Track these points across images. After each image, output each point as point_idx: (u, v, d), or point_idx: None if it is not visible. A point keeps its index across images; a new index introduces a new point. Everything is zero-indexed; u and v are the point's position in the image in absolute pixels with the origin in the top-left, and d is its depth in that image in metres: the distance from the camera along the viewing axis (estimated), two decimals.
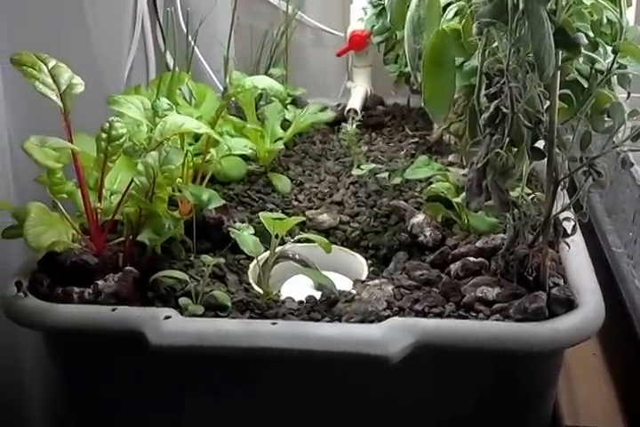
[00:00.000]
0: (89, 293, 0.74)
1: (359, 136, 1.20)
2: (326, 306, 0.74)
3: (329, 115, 1.14)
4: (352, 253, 0.90)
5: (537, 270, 0.72)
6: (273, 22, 1.38)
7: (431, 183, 0.96)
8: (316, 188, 1.02)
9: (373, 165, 1.02)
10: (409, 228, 0.88)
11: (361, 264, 0.88)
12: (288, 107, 1.17)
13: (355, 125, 1.19)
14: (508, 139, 0.67)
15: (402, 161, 1.08)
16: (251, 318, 0.73)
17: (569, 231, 0.71)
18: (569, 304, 0.69)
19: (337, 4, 1.40)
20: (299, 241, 0.84)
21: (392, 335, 0.66)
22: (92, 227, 0.80)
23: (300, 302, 0.76)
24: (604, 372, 0.82)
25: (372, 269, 0.86)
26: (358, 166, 1.03)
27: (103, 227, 0.81)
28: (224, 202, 0.85)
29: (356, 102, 1.26)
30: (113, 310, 0.72)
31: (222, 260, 0.78)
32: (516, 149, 0.68)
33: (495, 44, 0.68)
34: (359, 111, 1.24)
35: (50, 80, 0.75)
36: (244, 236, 0.77)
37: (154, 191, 0.77)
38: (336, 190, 1.01)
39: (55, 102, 0.77)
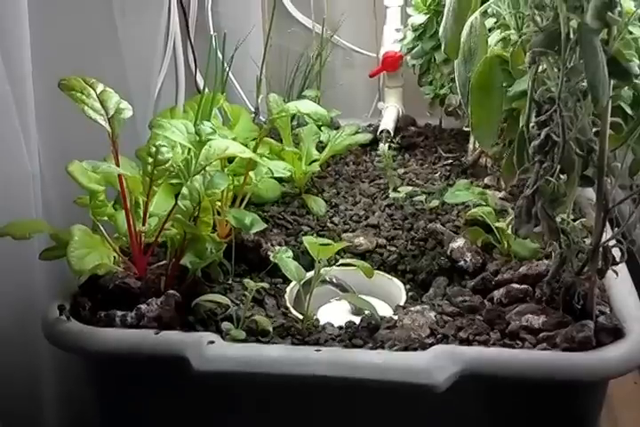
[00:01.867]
0: (131, 317, 0.75)
1: (392, 158, 1.20)
2: (368, 332, 0.74)
3: (366, 136, 1.14)
4: (390, 277, 0.89)
5: (584, 299, 0.71)
6: (307, 44, 1.39)
7: (468, 206, 0.96)
8: (351, 210, 1.02)
9: (410, 188, 1.02)
10: (449, 252, 0.87)
11: (399, 289, 0.87)
12: (322, 128, 1.17)
13: (386, 147, 1.19)
14: (558, 166, 0.66)
15: (437, 183, 1.08)
16: (292, 343, 0.73)
17: (617, 259, 0.70)
18: (616, 333, 0.69)
19: (370, 25, 1.41)
20: (343, 265, 0.84)
21: (438, 364, 0.66)
22: (135, 250, 0.80)
23: (341, 328, 0.76)
24: None
25: (410, 294, 0.86)
26: (394, 189, 1.03)
27: (146, 250, 0.81)
28: (265, 226, 0.85)
29: (388, 123, 1.26)
30: (156, 333, 0.72)
31: (266, 284, 0.78)
32: (564, 177, 0.68)
33: (544, 70, 0.68)
34: (392, 132, 1.24)
35: (98, 105, 0.76)
36: (286, 260, 0.77)
37: (198, 215, 0.77)
38: (372, 213, 1.01)
39: (94, 125, 0.78)
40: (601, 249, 0.69)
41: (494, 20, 0.78)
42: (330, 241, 0.79)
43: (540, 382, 0.66)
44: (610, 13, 0.61)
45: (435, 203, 0.98)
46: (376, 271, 0.90)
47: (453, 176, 1.11)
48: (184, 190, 0.77)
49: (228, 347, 0.70)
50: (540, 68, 0.68)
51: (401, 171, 1.13)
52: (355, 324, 0.76)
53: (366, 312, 0.77)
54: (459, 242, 0.87)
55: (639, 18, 0.78)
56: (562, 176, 0.69)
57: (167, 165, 0.79)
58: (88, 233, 0.80)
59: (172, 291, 0.77)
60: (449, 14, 0.69)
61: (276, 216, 1.00)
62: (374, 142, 1.23)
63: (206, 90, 1.24)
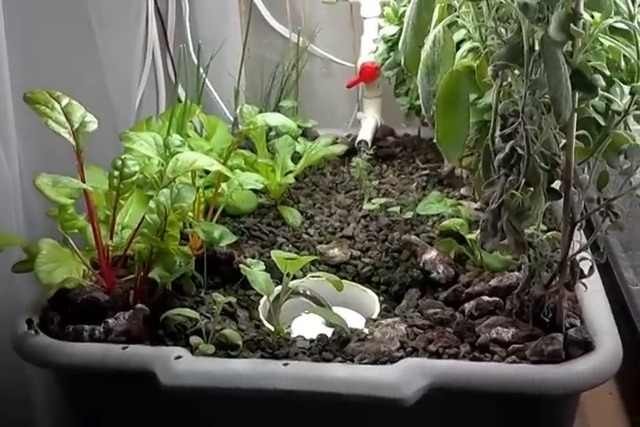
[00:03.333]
0: (99, 331, 0.74)
1: (369, 168, 1.20)
2: (338, 345, 0.73)
3: (341, 148, 1.14)
4: (364, 288, 0.89)
5: (553, 311, 0.71)
6: (284, 54, 1.39)
7: (443, 217, 0.96)
8: (327, 221, 1.02)
9: (385, 200, 1.01)
10: (421, 264, 0.87)
11: (373, 300, 0.87)
12: (299, 139, 1.17)
13: (367, 157, 1.19)
14: (523, 180, 0.66)
15: (413, 194, 1.08)
16: (262, 357, 0.72)
17: (586, 272, 0.70)
18: (586, 346, 0.68)
19: (347, 35, 1.41)
20: (312, 277, 0.84)
21: (406, 377, 0.66)
22: (103, 263, 0.79)
23: (312, 341, 0.75)
24: (621, 411, 0.81)
25: (383, 305, 0.85)
26: (369, 200, 1.02)
27: (114, 263, 0.81)
28: (236, 239, 0.85)
29: (366, 134, 1.26)
30: (123, 348, 0.71)
31: (233, 298, 0.77)
32: (531, 190, 0.68)
33: (510, 84, 0.68)
34: (370, 143, 1.24)
35: (63, 118, 0.76)
36: (256, 273, 0.77)
37: (165, 229, 0.76)
38: (347, 224, 1.01)
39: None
40: (569, 262, 0.68)
41: (465, 31, 0.79)
42: (295, 255, 0.78)
43: (509, 396, 0.66)
44: (573, 26, 0.62)
45: (409, 214, 0.98)
46: (350, 283, 0.90)
47: (430, 187, 1.11)
48: (151, 204, 0.77)
49: (196, 361, 0.70)
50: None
51: (378, 182, 1.13)
52: (326, 337, 0.75)
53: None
54: (431, 253, 0.87)
55: (608, 29, 0.79)
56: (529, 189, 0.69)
57: (134, 179, 0.79)
58: (57, 247, 0.79)
59: (140, 305, 0.76)
60: (408, 28, 0.69)
61: (252, 228, 1.00)
62: (352, 153, 1.22)
63: (188, 100, 1.25)
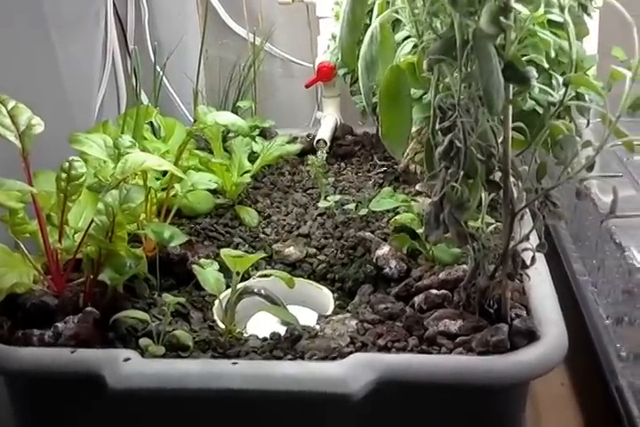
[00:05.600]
0: (49, 335, 0.74)
1: (328, 166, 1.20)
2: (290, 343, 0.74)
3: (296, 147, 1.14)
4: (319, 286, 0.89)
5: (498, 302, 0.72)
6: (242, 55, 1.40)
7: (398, 213, 0.97)
8: (284, 220, 1.02)
9: (339, 197, 1.02)
10: (374, 260, 0.87)
11: (327, 297, 0.88)
12: (256, 139, 1.17)
13: (323, 156, 1.20)
14: (462, 172, 0.67)
15: (369, 191, 1.08)
16: (213, 357, 0.72)
17: (528, 263, 0.71)
18: (530, 336, 0.69)
19: (305, 35, 1.42)
20: (264, 275, 0.84)
21: (353, 372, 0.66)
22: (53, 267, 0.79)
23: (264, 340, 0.75)
24: (573, 401, 0.82)
25: (338, 302, 0.86)
26: (325, 198, 1.03)
27: (65, 267, 0.80)
28: (187, 239, 0.85)
29: (325, 133, 1.26)
30: (72, 352, 0.71)
31: (183, 299, 0.77)
32: (471, 182, 0.69)
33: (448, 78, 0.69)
34: (328, 141, 1.24)
35: (8, 121, 0.75)
36: (206, 273, 0.77)
37: (114, 230, 0.76)
38: (303, 222, 1.01)
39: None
40: (510, 253, 0.69)
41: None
42: (244, 253, 0.78)
43: (456, 387, 0.67)
44: (503, 18, 0.62)
45: (364, 211, 0.99)
46: (306, 280, 0.91)
47: (387, 184, 1.12)
48: (99, 205, 0.77)
49: (144, 363, 0.69)
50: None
51: (335, 179, 1.14)
52: (278, 335, 0.76)
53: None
54: (384, 249, 0.88)
55: (547, 22, 0.80)
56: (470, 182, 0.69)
57: (81, 181, 0.78)
58: (7, 252, 0.79)
59: (89, 308, 0.76)
60: (343, 24, 0.70)
61: (208, 228, 1.00)
62: (312, 152, 1.23)
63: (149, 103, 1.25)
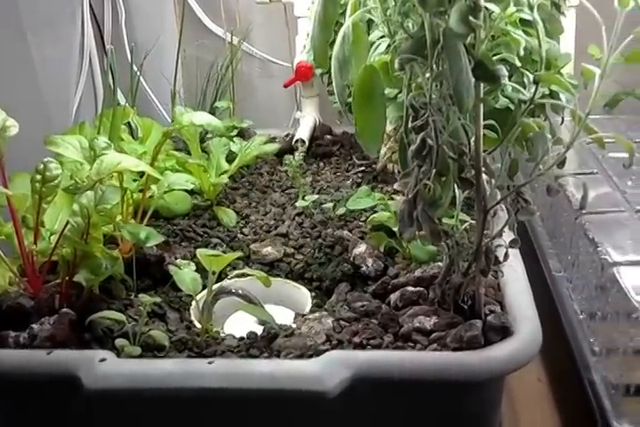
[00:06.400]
0: (24, 337, 0.73)
1: (306, 166, 1.21)
2: (266, 342, 0.74)
3: (274, 147, 1.14)
4: (297, 285, 0.90)
5: (472, 299, 0.72)
6: (220, 54, 1.40)
7: (376, 212, 0.97)
8: (262, 220, 1.02)
9: (317, 196, 1.02)
10: (351, 258, 0.88)
11: (305, 296, 0.88)
12: (234, 139, 1.17)
13: (301, 156, 1.20)
14: (434, 170, 0.68)
15: (347, 191, 1.09)
16: (189, 357, 0.72)
17: (501, 259, 0.71)
18: (504, 332, 0.70)
19: (283, 35, 1.42)
20: (241, 276, 0.84)
21: (328, 370, 0.66)
22: (28, 269, 0.79)
23: (241, 339, 0.76)
24: (549, 397, 0.83)
25: (315, 300, 0.86)
26: (303, 197, 1.03)
27: (41, 268, 0.80)
28: (163, 239, 0.85)
29: (303, 132, 1.27)
30: (48, 353, 0.71)
31: (159, 299, 0.77)
32: (444, 180, 0.69)
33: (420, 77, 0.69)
34: (307, 141, 1.25)
35: None
36: (182, 273, 0.77)
37: (89, 232, 0.76)
38: (281, 222, 1.01)
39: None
40: (483, 250, 0.70)
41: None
42: (220, 253, 0.78)
43: (430, 383, 0.67)
44: (472, 18, 0.63)
45: (342, 210, 0.99)
46: (284, 280, 0.91)
47: (365, 183, 1.12)
48: (74, 207, 0.76)
49: (120, 363, 0.69)
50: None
51: (314, 179, 1.14)
52: (255, 334, 0.76)
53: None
54: (361, 248, 0.88)
55: (519, 20, 0.81)
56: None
57: (56, 182, 0.78)
58: None
59: (65, 309, 0.75)
60: (315, 24, 0.70)
61: (186, 229, 1.00)
62: (290, 152, 1.23)
63: (122, 103, 1.24)
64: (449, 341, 0.69)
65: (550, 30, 0.97)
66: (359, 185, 1.11)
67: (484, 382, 0.69)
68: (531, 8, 0.67)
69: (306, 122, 1.31)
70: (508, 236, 0.84)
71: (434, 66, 0.66)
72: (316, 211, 1.02)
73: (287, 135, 1.30)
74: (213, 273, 0.76)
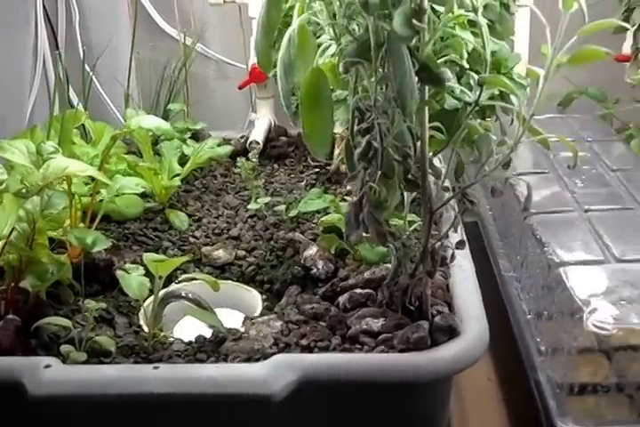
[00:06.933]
0: None
1: (261, 168, 1.21)
2: (214, 346, 0.73)
3: (227, 149, 1.14)
4: (248, 288, 0.89)
5: (420, 300, 0.73)
6: (175, 56, 1.39)
7: (328, 214, 0.97)
8: (214, 223, 1.02)
9: (269, 199, 1.02)
10: (302, 260, 0.88)
11: (256, 299, 0.88)
12: (188, 142, 1.16)
13: (256, 158, 1.20)
14: (380, 172, 0.68)
15: (301, 192, 1.08)
16: (135, 362, 0.71)
17: (448, 260, 0.72)
18: (451, 332, 0.70)
19: (238, 36, 1.41)
20: (191, 279, 0.84)
21: (274, 373, 0.66)
22: None
23: (189, 343, 0.75)
24: (498, 397, 0.84)
25: (265, 304, 0.86)
26: (255, 200, 1.03)
27: None
28: (111, 243, 0.84)
29: (258, 134, 1.26)
30: None
31: (104, 304, 0.76)
32: (390, 182, 0.69)
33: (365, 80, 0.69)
34: (261, 143, 1.25)
35: None
36: (129, 278, 0.76)
37: (34, 237, 0.75)
38: (234, 225, 1.01)
39: None
40: (430, 251, 0.70)
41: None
42: (166, 257, 0.78)
43: (377, 384, 0.67)
44: (415, 21, 0.63)
45: (295, 212, 0.99)
46: (235, 283, 0.91)
47: (319, 184, 1.12)
48: (20, 212, 0.75)
49: (65, 370, 0.68)
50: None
51: (267, 181, 1.14)
52: (203, 338, 0.75)
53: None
54: (312, 250, 0.88)
55: (469, 22, 0.82)
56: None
57: (2, 187, 0.77)
58: None
59: (11, 315, 0.74)
60: (259, 28, 0.70)
61: (137, 233, 0.99)
62: (245, 154, 1.23)
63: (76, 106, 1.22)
64: (396, 342, 0.70)
65: (501, 31, 0.98)
66: (313, 186, 1.12)
67: (431, 382, 0.69)
68: (474, 10, 0.67)
69: (261, 124, 1.31)
70: (459, 237, 0.85)
71: (379, 69, 0.67)
72: (268, 213, 1.02)
73: (242, 137, 1.30)
74: (160, 278, 0.75)
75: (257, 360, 0.70)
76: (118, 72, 1.38)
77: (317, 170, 1.17)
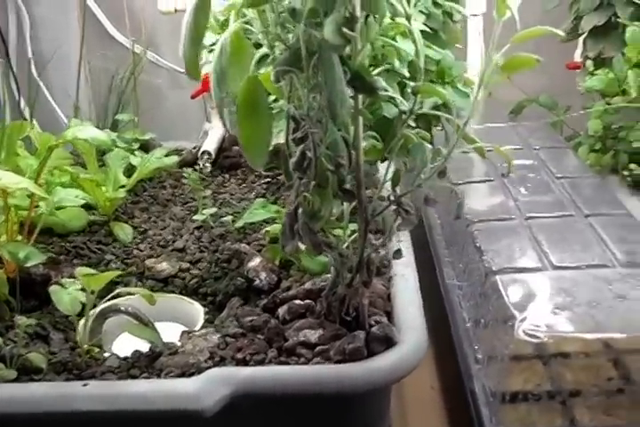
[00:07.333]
0: None
1: (212, 178, 1.19)
2: (149, 361, 0.72)
3: (174, 159, 1.13)
4: (190, 301, 0.88)
5: (357, 310, 0.72)
6: (126, 65, 1.37)
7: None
8: (160, 235, 1.00)
9: (215, 209, 1.01)
10: (245, 272, 0.87)
11: (199, 312, 0.86)
12: (135, 152, 1.15)
13: (208, 168, 1.19)
14: (314, 182, 0.67)
15: (250, 203, 1.07)
16: (67, 379, 0.70)
17: (397, 269, 0.71)
18: (388, 342, 0.69)
19: None
20: (126, 294, 0.82)
21: (207, 388, 0.64)
22: None
23: (124, 359, 0.73)
24: (440, 405, 0.83)
25: (207, 316, 0.84)
26: (202, 211, 1.01)
27: None
28: (46, 257, 0.82)
29: (210, 144, 1.25)
30: None
31: (34, 320, 0.74)
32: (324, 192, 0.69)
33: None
34: (214, 153, 1.23)
35: None
36: (61, 293, 0.74)
37: None
38: (179, 237, 0.99)
39: None
40: (365, 261, 0.69)
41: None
42: (97, 271, 0.76)
43: (313, 396, 0.66)
44: (346, 29, 0.62)
45: (241, 223, 0.98)
46: (177, 296, 0.89)
47: (269, 194, 1.11)
48: None
49: None
50: None
51: (217, 191, 1.13)
52: (139, 353, 0.74)
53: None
54: (255, 261, 0.87)
55: (408, 31, 0.81)
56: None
57: None
58: None
59: None
60: (185, 34, 0.69)
61: (79, 246, 0.97)
62: (197, 164, 1.22)
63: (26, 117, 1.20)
64: (332, 353, 0.68)
65: (446, 39, 0.98)
66: (263, 196, 1.11)
67: (368, 392, 0.68)
68: (407, 18, 0.67)
69: (213, 133, 1.30)
70: (404, 245, 0.85)
71: (311, 78, 0.66)
72: (215, 224, 1.01)
73: (194, 147, 1.28)
74: (92, 292, 0.73)
75: (191, 375, 0.68)
76: (69, 82, 1.37)
77: (269, 180, 1.16)
